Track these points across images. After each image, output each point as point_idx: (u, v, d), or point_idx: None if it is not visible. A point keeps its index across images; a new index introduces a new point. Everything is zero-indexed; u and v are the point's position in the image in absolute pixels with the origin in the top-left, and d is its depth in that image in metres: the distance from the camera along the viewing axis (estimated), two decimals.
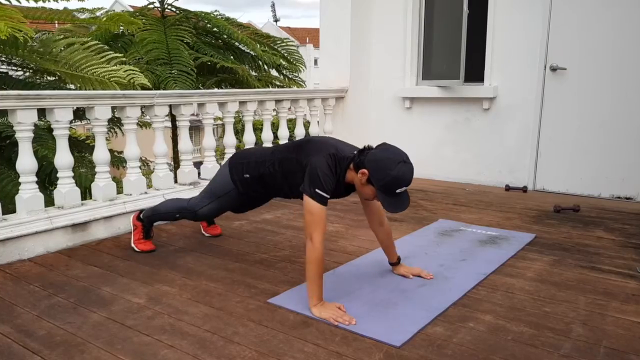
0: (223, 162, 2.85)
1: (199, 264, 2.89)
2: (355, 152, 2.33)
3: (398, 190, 2.18)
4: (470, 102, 5.00)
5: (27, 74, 5.61)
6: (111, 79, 4.48)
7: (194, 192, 3.85)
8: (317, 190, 2.23)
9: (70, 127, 3.43)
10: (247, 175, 2.65)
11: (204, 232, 3.42)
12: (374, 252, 3.04)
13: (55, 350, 1.96)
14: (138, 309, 2.31)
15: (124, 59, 5.13)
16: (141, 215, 3.15)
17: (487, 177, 4.99)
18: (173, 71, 6.45)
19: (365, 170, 2.22)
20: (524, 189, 4.73)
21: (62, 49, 4.64)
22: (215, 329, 2.13)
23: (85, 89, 4.52)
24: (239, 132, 9.70)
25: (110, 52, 4.93)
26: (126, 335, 2.07)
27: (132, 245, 3.12)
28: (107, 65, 4.60)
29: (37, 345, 2.01)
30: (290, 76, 8.33)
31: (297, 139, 2.59)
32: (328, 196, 2.25)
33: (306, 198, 2.26)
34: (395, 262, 2.70)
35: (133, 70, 4.81)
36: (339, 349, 1.96)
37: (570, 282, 2.61)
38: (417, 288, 2.50)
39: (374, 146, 2.32)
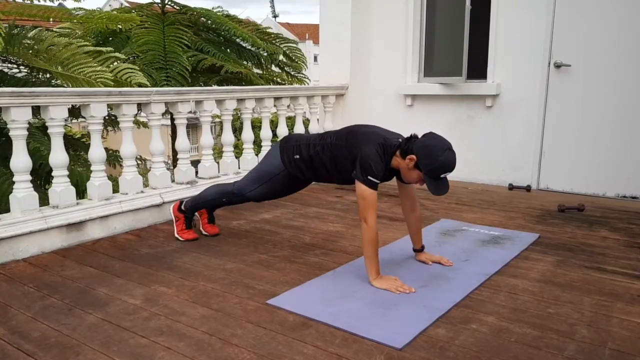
0: (272, 146, 3.13)
1: (196, 264, 2.88)
2: (400, 139, 2.57)
3: (442, 175, 2.43)
4: (473, 100, 5.00)
5: (24, 72, 5.61)
6: (97, 79, 4.48)
7: (193, 191, 3.87)
8: (369, 177, 2.47)
9: (66, 125, 3.43)
10: (297, 157, 2.85)
11: (202, 230, 3.40)
12: None
13: (49, 352, 1.96)
14: (134, 310, 2.31)
15: (121, 56, 5.13)
16: (182, 207, 3.30)
17: (489, 176, 4.98)
18: (168, 75, 6.47)
19: (413, 156, 2.45)
20: (528, 188, 4.73)
21: (54, 46, 4.64)
22: (213, 330, 2.12)
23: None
24: (237, 130, 9.70)
25: (112, 51, 4.94)
26: (122, 337, 2.07)
27: (177, 235, 3.28)
28: (95, 65, 4.59)
29: (31, 347, 2.00)
30: (292, 73, 8.33)
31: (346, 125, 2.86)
32: (378, 181, 2.50)
33: (359, 184, 2.50)
34: (419, 249, 2.87)
35: (132, 68, 4.81)
36: (339, 350, 1.96)
37: (574, 282, 2.60)
38: (418, 289, 2.50)
39: (419, 135, 2.55)
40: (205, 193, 3.29)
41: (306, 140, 2.86)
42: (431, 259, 2.84)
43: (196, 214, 3.45)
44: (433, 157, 2.41)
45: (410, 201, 2.78)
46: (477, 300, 2.40)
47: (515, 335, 2.07)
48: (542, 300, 2.40)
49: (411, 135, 2.55)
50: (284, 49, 8.22)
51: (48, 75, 5.50)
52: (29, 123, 3.09)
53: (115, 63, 4.84)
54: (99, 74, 4.50)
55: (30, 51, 4.69)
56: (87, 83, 4.46)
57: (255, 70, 7.92)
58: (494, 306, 2.34)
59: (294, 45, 8.45)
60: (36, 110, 3.18)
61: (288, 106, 4.95)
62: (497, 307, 2.33)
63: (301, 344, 2.01)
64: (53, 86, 5.27)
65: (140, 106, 3.75)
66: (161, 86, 6.33)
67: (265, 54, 7.94)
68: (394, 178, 2.71)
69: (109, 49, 5.17)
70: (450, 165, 2.42)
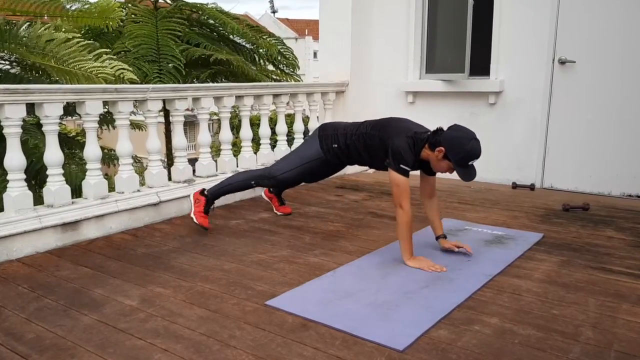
0: (310, 133, 3.44)
1: (193, 264, 2.88)
2: (428, 133, 2.83)
3: (470, 163, 2.69)
4: (476, 97, 4.99)
5: (16, 69, 5.60)
6: (98, 75, 4.49)
7: (190, 190, 3.87)
8: (401, 165, 2.76)
9: (60, 123, 3.43)
10: (335, 145, 3.19)
11: (276, 212, 3.88)
12: (376, 252, 3.04)
13: (44, 355, 1.96)
14: (130, 312, 2.31)
15: (113, 56, 5.13)
16: (205, 192, 3.46)
17: (493, 175, 4.98)
18: (161, 68, 6.45)
19: (442, 148, 2.71)
20: (532, 187, 4.73)
21: (48, 41, 4.63)
22: (211, 332, 2.12)
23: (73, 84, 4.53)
24: (235, 128, 9.67)
25: (98, 47, 4.93)
26: (118, 339, 2.07)
27: (192, 215, 3.38)
28: (94, 62, 4.59)
29: (25, 349, 2.00)
30: (286, 70, 8.31)
31: (377, 118, 3.18)
32: (409, 169, 2.79)
33: (392, 172, 2.79)
34: (440, 235, 3.06)
35: (124, 68, 4.81)
36: (339, 353, 1.96)
37: (579, 283, 2.60)
38: (420, 290, 2.50)
39: (444, 128, 2.79)
40: (232, 178, 3.54)
41: (343, 130, 3.18)
42: (455, 245, 2.99)
43: (213, 206, 3.57)
44: (460, 147, 2.66)
45: (430, 188, 3.02)
46: (480, 301, 2.40)
47: (519, 337, 2.07)
48: (546, 301, 2.39)
49: (437, 129, 2.80)
50: (279, 48, 8.21)
51: (40, 73, 5.48)
52: (24, 120, 3.09)
53: (106, 58, 4.84)
54: (99, 69, 4.51)
55: (25, 47, 4.69)
56: (85, 79, 4.46)
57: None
58: (497, 307, 2.34)
59: (284, 45, 8.44)
60: (30, 107, 3.18)
61: (287, 103, 4.94)
62: (501, 308, 2.32)
63: (300, 346, 2.01)
64: (48, 83, 5.27)
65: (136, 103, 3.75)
66: (153, 80, 6.32)
67: (261, 50, 7.92)
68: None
69: (96, 44, 5.18)
70: (477, 153, 2.67)
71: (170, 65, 6.54)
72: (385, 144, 2.87)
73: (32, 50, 4.67)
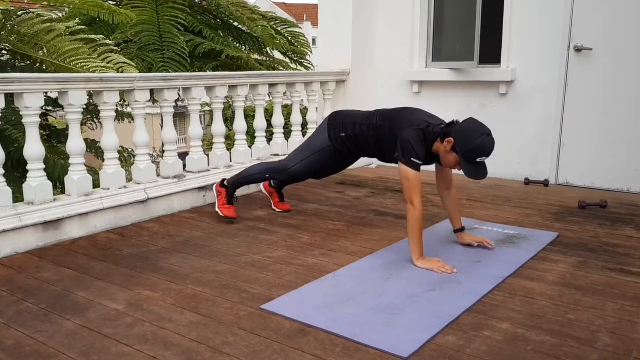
0: (322, 121, 3.56)
1: (184, 265, 2.88)
2: (442, 125, 2.85)
3: (478, 160, 2.67)
4: (486, 87, 4.99)
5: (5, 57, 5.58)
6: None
7: (180, 186, 3.86)
8: (412, 158, 2.78)
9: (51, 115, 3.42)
10: (344, 135, 3.26)
11: (274, 208, 3.88)
12: (379, 252, 3.04)
13: None
14: (116, 316, 2.30)
15: (114, 47, 5.11)
16: (225, 182, 3.64)
17: (504, 170, 4.97)
18: (165, 57, 6.43)
19: (451, 139, 2.72)
20: (545, 183, 4.73)
21: (44, 33, 4.62)
22: (203, 338, 2.12)
23: None
24: (228, 120, 9.65)
25: (105, 40, 4.92)
26: (103, 345, 2.06)
27: (217, 210, 3.59)
28: (98, 60, 4.59)
29: (4, 356, 2.00)
30: (296, 59, 8.27)
31: (391, 107, 3.22)
32: (421, 162, 2.80)
33: (402, 166, 2.81)
34: (459, 229, 3.11)
35: (125, 62, 4.81)
36: None
37: (596, 286, 2.60)
38: (426, 293, 2.50)
39: (461, 121, 2.82)
40: (250, 170, 3.71)
41: (353, 119, 3.24)
42: (475, 240, 3.07)
43: (236, 195, 3.72)
44: (469, 140, 2.66)
45: (446, 181, 3.06)
46: (490, 305, 2.40)
47: (532, 344, 2.07)
48: (561, 305, 2.39)
49: (453, 121, 2.83)
50: (287, 36, 8.16)
51: (31, 62, 5.46)
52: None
53: (105, 49, 4.83)
54: (104, 71, 4.53)
55: (15, 35, 4.68)
56: None
57: (255, 57, 7.87)
58: (509, 312, 2.34)
59: (299, 30, 8.40)
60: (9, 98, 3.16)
61: (284, 93, 4.93)
62: (512, 313, 2.32)
63: (299, 353, 2.01)
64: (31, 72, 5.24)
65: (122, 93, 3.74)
66: (159, 69, 6.30)
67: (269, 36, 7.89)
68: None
69: (101, 36, 5.16)
70: (486, 150, 2.66)
71: (174, 53, 6.52)
72: (395, 135, 2.90)
73: (27, 41, 4.65)
